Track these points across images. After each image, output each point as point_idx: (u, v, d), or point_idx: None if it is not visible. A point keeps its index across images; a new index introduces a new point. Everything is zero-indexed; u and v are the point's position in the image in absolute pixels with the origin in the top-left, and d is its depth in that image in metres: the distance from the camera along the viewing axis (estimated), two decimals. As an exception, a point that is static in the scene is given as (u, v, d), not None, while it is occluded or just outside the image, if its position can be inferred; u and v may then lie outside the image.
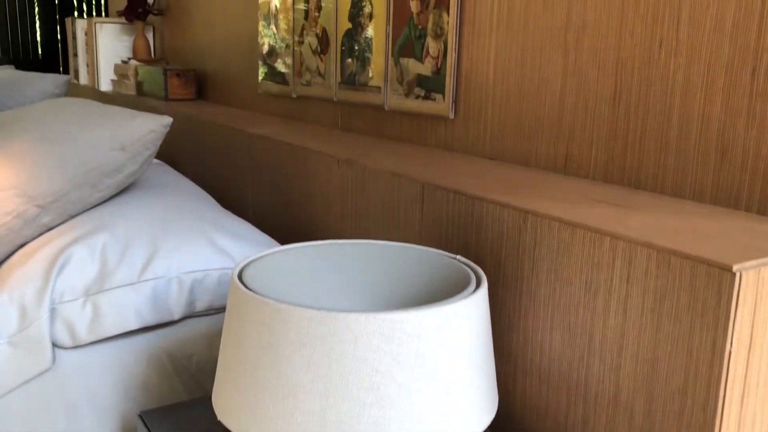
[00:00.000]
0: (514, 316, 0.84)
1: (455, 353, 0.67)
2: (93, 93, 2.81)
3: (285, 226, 1.41)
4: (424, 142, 1.34)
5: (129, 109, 1.24)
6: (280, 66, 1.84)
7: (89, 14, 4.25)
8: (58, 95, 2.03)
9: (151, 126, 1.16)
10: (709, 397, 0.62)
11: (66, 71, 4.14)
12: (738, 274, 0.59)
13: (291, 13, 1.76)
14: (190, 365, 1.12)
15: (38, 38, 4.28)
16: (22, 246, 1.15)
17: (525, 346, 0.83)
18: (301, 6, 1.70)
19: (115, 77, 2.73)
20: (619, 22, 0.94)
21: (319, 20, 1.63)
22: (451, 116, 1.25)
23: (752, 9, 0.78)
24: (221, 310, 1.15)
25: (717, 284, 0.61)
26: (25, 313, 1.02)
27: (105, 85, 2.76)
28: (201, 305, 1.12)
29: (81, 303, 1.04)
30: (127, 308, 1.05)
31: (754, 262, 0.60)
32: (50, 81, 2.01)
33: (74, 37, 3.11)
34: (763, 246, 0.65)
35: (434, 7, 1.25)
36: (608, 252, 0.71)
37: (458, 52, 1.23)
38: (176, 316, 1.10)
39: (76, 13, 4.22)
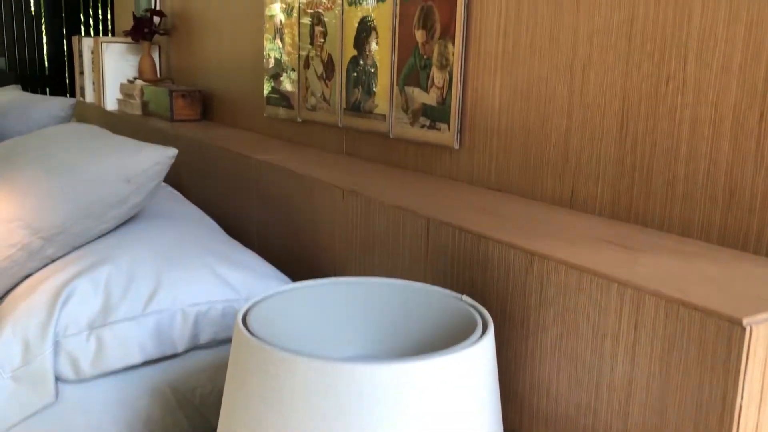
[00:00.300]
0: (520, 358, 0.83)
1: (462, 401, 0.67)
2: (99, 112, 2.82)
3: (290, 255, 1.40)
4: (429, 171, 1.34)
5: (134, 140, 1.24)
6: (285, 89, 1.85)
7: (96, 33, 4.28)
8: (65, 118, 2.03)
9: (157, 158, 1.16)
10: (719, 450, 0.61)
11: (72, 88, 4.15)
12: (748, 328, 0.59)
13: (296, 37, 1.76)
14: (193, 398, 1.11)
15: (45, 55, 4.31)
16: (26, 278, 1.14)
17: (531, 388, 0.82)
18: (307, 31, 1.71)
19: (120, 96, 2.74)
20: (626, 57, 0.94)
21: (325, 46, 1.63)
22: (456, 146, 1.25)
23: (760, 53, 0.78)
24: (225, 341, 1.15)
25: (727, 338, 0.60)
26: (28, 348, 1.01)
27: (111, 104, 2.77)
28: (205, 338, 1.11)
29: (85, 337, 1.03)
30: (130, 342, 1.05)
31: (765, 315, 0.60)
32: (56, 104, 2.02)
33: (80, 55, 3.13)
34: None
35: (439, 38, 1.25)
36: (616, 298, 0.70)
37: (463, 83, 1.22)
38: (180, 349, 1.09)
39: (82, 31, 4.24)
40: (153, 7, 2.74)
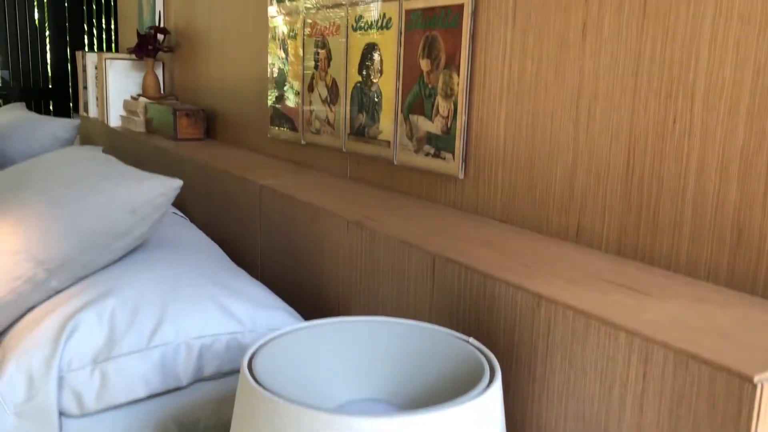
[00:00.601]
0: (526, 402, 0.83)
1: (469, 452, 0.66)
2: (103, 129, 2.83)
3: (294, 284, 1.40)
4: (434, 199, 1.33)
5: (138, 171, 1.24)
6: (289, 111, 1.85)
7: (99, 48, 4.28)
8: (68, 140, 2.03)
9: (161, 189, 1.15)
10: (730, 507, 0.61)
11: (75, 102, 4.16)
12: (759, 386, 0.58)
13: (301, 61, 1.76)
14: (197, 431, 1.11)
15: (49, 68, 4.31)
16: (30, 309, 1.14)
17: (538, 432, 0.82)
18: (311, 55, 1.71)
19: (124, 113, 2.75)
20: (633, 95, 0.93)
21: (329, 71, 1.63)
22: (461, 176, 1.25)
23: (767, 97, 0.78)
24: (229, 374, 1.14)
25: (737, 394, 0.59)
26: (32, 383, 1.01)
27: (114, 120, 2.77)
28: (209, 370, 1.11)
29: (89, 371, 1.03)
30: (135, 376, 1.05)
31: (774, 371, 0.59)
32: (60, 125, 2.02)
33: (84, 70, 3.13)
34: (782, 348, 0.64)
35: (444, 67, 1.25)
36: (624, 347, 0.70)
37: (468, 114, 1.22)
38: (184, 383, 1.09)
39: (86, 46, 4.25)
40: (157, 24, 2.75)
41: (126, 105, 2.70)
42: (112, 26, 4.05)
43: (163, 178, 1.19)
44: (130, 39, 3.20)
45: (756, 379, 0.58)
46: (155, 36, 2.59)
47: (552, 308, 0.78)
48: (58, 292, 1.15)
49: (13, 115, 2.07)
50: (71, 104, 4.26)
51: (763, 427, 0.59)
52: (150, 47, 2.58)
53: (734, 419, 0.60)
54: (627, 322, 0.71)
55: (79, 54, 3.19)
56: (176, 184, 1.17)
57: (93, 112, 3.07)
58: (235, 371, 1.14)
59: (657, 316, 0.73)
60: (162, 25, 2.69)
